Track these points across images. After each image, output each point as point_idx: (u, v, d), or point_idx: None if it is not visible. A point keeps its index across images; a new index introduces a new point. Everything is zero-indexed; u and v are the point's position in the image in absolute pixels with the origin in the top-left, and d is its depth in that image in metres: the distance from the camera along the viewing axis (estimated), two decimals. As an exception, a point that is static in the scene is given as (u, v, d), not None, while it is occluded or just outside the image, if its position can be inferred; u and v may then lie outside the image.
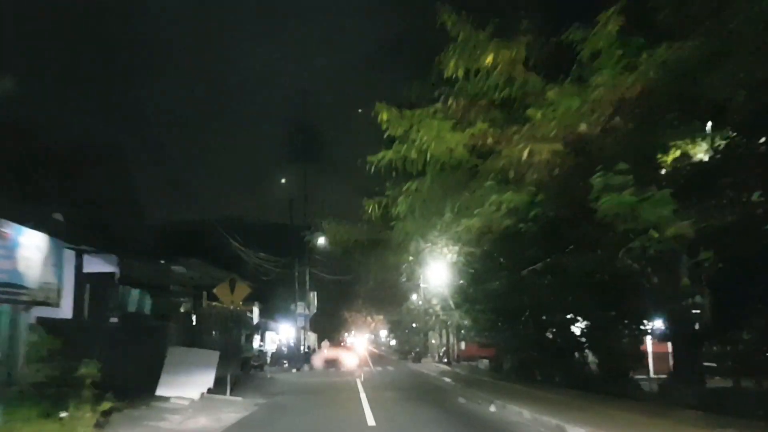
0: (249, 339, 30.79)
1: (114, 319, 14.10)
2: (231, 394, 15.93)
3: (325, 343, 47.19)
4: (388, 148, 9.40)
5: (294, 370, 31.08)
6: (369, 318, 76.05)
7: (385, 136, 9.13)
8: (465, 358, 35.16)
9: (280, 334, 42.11)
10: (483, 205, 8.67)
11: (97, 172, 17.34)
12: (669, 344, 23.50)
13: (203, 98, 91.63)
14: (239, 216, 41.93)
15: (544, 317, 20.79)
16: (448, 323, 30.77)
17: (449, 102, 9.16)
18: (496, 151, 8.57)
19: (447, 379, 21.82)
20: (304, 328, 39.23)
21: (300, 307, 37.76)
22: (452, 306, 25.85)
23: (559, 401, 13.44)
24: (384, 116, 8.83)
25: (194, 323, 19.20)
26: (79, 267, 13.80)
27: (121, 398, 12.52)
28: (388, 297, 51.22)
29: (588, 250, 15.19)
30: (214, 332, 20.91)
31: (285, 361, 35.05)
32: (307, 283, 38.23)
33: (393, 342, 69.54)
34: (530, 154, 7.71)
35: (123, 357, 13.52)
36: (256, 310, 32.43)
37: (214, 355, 15.72)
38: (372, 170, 9.65)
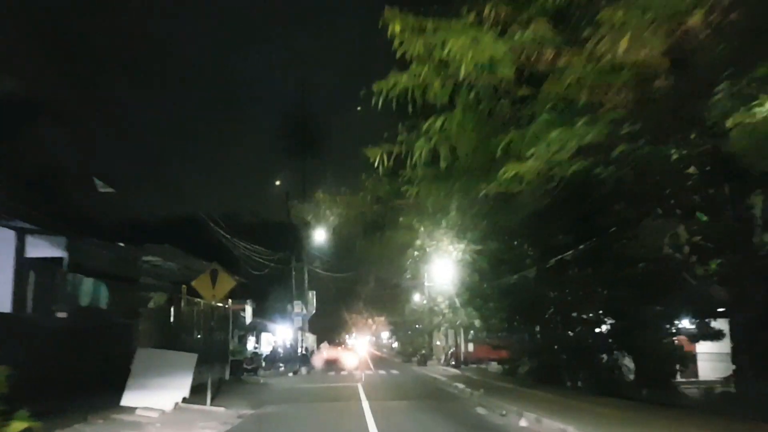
0: (242, 340, 28.95)
1: (63, 314, 11.74)
2: (212, 404, 14.17)
3: (325, 345, 45.13)
4: (402, 70, 6.83)
5: (290, 374, 29.08)
6: (370, 320, 74.28)
7: (397, 56, 6.59)
8: (473, 360, 33.12)
9: (277, 336, 40.02)
10: (538, 146, 6.19)
11: (47, 133, 14.66)
12: (696, 345, 21.61)
13: (200, 94, 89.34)
14: (236, 214, 39.63)
15: (574, 314, 18.37)
16: (457, 323, 28.47)
17: (486, 12, 6.64)
18: (557, 70, 6.06)
19: (460, 385, 19.46)
20: (301, 328, 37.11)
21: (297, 307, 35.72)
22: (458, 304, 23.64)
23: (606, 414, 11.01)
24: (396, 27, 6.29)
25: (172, 322, 16.88)
26: (19, 250, 11.44)
27: (74, 410, 10.35)
28: (390, 297, 49.70)
29: (630, 233, 12.99)
30: (196, 332, 18.59)
31: (281, 364, 32.86)
32: (305, 281, 36.06)
33: (395, 344, 67.32)
34: (627, 50, 5.17)
35: (77, 360, 11.40)
36: (249, 309, 30.28)
37: (191, 358, 13.81)
38: (379, 105, 7.12)
